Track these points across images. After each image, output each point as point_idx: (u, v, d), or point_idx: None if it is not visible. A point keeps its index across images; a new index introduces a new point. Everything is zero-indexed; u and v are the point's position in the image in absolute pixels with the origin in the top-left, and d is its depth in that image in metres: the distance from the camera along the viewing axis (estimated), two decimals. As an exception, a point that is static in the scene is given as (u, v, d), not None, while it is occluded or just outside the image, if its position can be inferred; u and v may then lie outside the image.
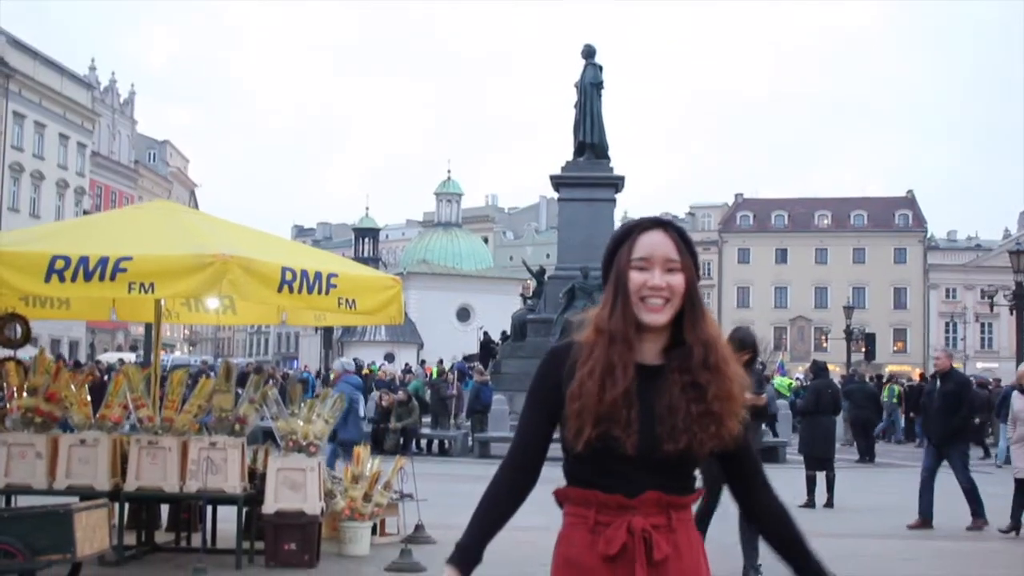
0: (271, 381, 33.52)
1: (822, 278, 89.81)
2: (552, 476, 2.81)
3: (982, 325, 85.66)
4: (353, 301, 8.79)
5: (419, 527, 10.80)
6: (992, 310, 45.85)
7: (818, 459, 15.41)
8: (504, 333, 35.62)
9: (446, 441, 25.83)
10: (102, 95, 73.73)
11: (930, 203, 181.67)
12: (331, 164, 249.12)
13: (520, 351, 29.00)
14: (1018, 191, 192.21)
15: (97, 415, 9.39)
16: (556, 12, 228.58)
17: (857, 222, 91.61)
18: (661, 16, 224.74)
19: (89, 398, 9.63)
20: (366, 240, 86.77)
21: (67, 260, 7.86)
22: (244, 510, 9.30)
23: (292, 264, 8.46)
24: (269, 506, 9.02)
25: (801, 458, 16.29)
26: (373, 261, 74.60)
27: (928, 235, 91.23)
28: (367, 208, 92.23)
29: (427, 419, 27.46)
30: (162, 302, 9.94)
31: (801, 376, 41.96)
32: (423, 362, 45.25)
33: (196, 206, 74.18)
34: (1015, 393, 13.23)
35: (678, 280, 2.67)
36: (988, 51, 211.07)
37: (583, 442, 2.61)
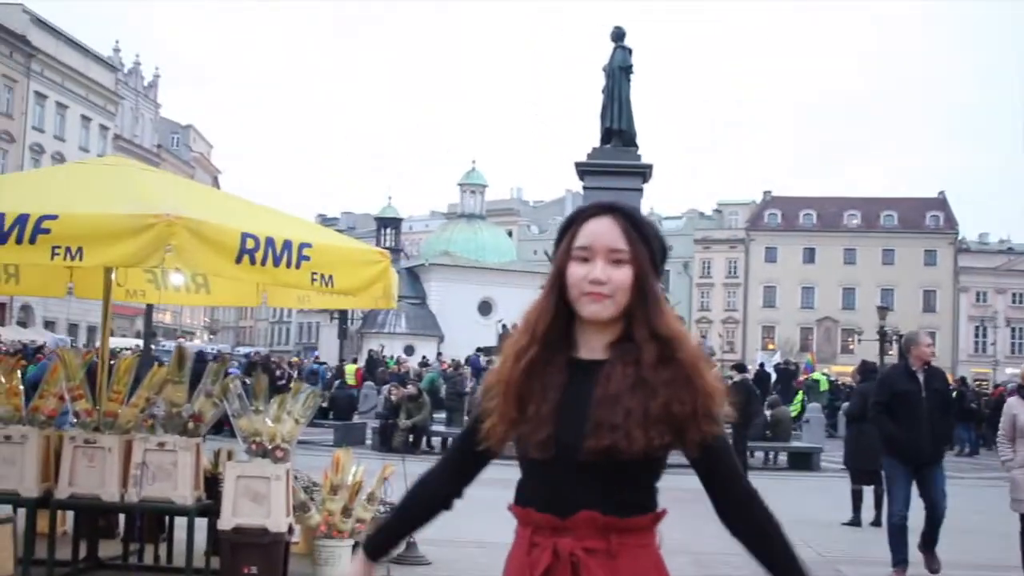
0: (288, 373, 31.97)
1: (850, 279, 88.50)
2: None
3: (1013, 330, 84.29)
4: (329, 278, 7.14)
5: (410, 545, 9.25)
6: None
7: (865, 472, 13.80)
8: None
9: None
10: (126, 77, 73.23)
11: (961, 205, 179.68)
12: (357, 153, 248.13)
13: (540, 346, 27.55)
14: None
15: (29, 407, 7.92)
16: None
17: (887, 222, 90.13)
18: (692, 6, 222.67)
19: (21, 387, 8.11)
20: (388, 230, 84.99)
21: (-25, 218, 6.36)
22: (201, 522, 7.85)
23: (255, 230, 6.85)
24: (226, 521, 7.46)
25: (837, 467, 14.84)
26: (395, 252, 73.17)
27: (959, 237, 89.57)
28: (389, 197, 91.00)
29: (442, 415, 26.06)
30: (113, 275, 8.43)
31: (832, 376, 40.44)
32: (440, 355, 43.80)
33: (217, 192, 73.04)
34: (1015, 400, 9.64)
35: (622, 274, 2.45)
36: (1023, 51, 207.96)
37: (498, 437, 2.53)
